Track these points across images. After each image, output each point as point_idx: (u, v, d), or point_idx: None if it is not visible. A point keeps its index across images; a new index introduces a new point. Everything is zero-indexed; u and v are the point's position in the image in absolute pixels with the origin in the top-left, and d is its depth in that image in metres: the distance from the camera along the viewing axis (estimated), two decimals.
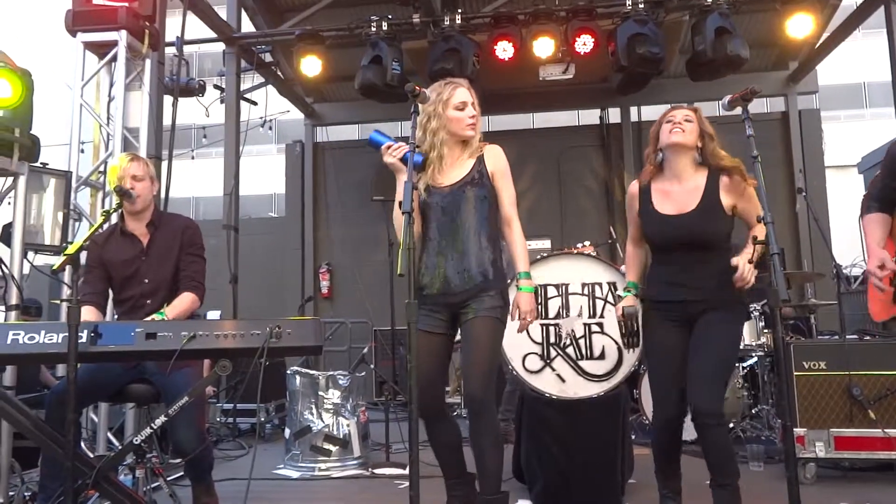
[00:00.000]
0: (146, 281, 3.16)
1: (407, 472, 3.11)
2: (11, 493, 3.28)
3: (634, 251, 3.04)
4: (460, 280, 2.73)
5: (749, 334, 4.86)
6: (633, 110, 8.74)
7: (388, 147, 2.74)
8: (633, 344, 2.97)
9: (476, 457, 2.69)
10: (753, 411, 5.03)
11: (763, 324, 4.92)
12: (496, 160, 2.82)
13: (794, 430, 3.66)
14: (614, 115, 8.82)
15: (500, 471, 2.71)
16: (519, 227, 2.83)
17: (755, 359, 5.08)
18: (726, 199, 2.76)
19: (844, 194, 9.91)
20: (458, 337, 2.87)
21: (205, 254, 3.33)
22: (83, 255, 3.09)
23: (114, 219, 3.36)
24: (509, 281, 2.87)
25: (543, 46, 6.32)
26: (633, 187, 2.97)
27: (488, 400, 2.68)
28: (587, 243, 4.87)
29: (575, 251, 4.80)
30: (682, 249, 2.77)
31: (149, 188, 3.23)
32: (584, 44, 6.15)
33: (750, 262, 2.54)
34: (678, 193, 2.82)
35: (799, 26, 6.34)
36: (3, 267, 3.28)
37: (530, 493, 3.44)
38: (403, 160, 2.68)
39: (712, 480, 2.71)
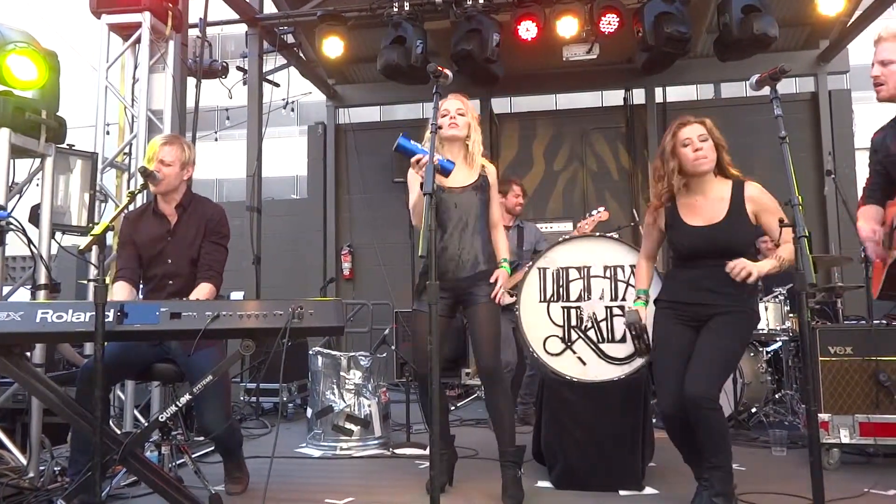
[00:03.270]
0: (169, 261, 3.21)
1: (427, 452, 3.15)
2: (42, 468, 3.36)
3: (647, 265, 3.12)
4: (468, 267, 3.20)
5: (774, 318, 4.80)
6: (658, 91, 8.60)
7: (419, 160, 2.91)
8: (644, 352, 3.02)
9: (495, 419, 3.23)
10: (777, 396, 4.98)
11: (788, 308, 4.85)
12: (494, 176, 3.37)
13: (819, 415, 3.62)
14: (638, 96, 8.70)
15: (514, 427, 3.22)
16: (503, 231, 3.40)
17: (779, 343, 5.02)
18: (750, 208, 2.82)
19: None
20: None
21: (228, 243, 3.37)
22: (109, 236, 3.15)
23: (139, 200, 3.41)
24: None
25: (567, 26, 6.23)
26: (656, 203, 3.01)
27: (499, 368, 3.23)
28: (602, 209, 4.86)
29: (590, 220, 4.80)
30: (710, 258, 2.82)
31: (176, 174, 3.25)
32: (609, 23, 6.06)
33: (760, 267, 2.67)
34: (704, 205, 2.88)
35: (830, 4, 6.17)
36: (31, 247, 3.34)
37: (550, 475, 3.45)
38: (436, 168, 2.87)
39: (705, 461, 2.77)
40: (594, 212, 4.87)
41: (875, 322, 4.04)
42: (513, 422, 3.22)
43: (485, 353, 3.16)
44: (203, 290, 3.15)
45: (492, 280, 3.17)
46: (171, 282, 3.18)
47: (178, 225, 3.26)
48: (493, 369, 3.16)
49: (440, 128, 3.06)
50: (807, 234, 2.28)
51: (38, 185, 3.63)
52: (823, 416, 3.65)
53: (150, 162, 3.19)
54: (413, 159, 2.95)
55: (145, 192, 3.25)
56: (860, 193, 3.08)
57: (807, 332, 2.42)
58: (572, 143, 8.71)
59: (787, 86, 8.62)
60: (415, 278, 4.94)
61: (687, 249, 2.91)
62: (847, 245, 7.34)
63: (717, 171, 2.89)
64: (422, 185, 2.70)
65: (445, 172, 2.96)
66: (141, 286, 3.30)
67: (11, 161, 3.40)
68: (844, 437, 3.64)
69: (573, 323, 3.49)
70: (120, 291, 3.12)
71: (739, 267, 2.64)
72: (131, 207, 3.37)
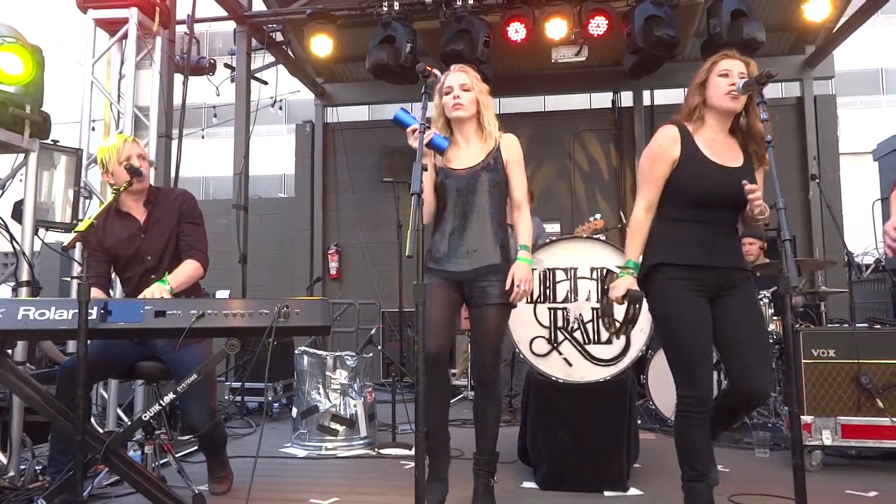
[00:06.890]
0: (149, 258, 3.18)
1: (412, 452, 3.14)
2: (23, 467, 3.32)
3: (646, 219, 2.65)
4: (470, 260, 2.90)
5: None
6: (646, 94, 8.65)
7: (415, 130, 2.73)
8: (626, 332, 2.94)
9: (479, 423, 3.01)
10: None
11: (772, 311, 4.88)
12: (511, 150, 2.98)
13: (801, 417, 3.65)
14: (627, 98, 8.74)
15: (497, 436, 3.01)
16: (528, 212, 3.01)
17: None
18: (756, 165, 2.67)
19: (859, 182, 9.81)
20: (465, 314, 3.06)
21: (203, 221, 3.33)
22: None
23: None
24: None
25: (556, 28, 6.26)
26: (672, 131, 2.64)
27: (497, 373, 2.99)
28: (598, 216, 4.96)
29: (587, 226, 4.88)
30: (721, 208, 2.60)
31: (149, 168, 3.29)
32: (598, 25, 6.09)
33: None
34: (723, 147, 2.64)
35: (816, 10, 6.23)
36: (14, 244, 3.30)
37: (535, 476, 3.45)
38: (429, 145, 2.73)
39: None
40: (591, 218, 4.97)
41: (858, 325, 4.08)
42: (497, 430, 3.01)
43: (486, 363, 2.92)
44: (187, 266, 3.11)
45: (509, 281, 2.82)
46: (153, 276, 3.13)
47: (148, 221, 3.22)
48: (491, 379, 2.95)
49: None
50: (791, 238, 2.30)
51: (21, 180, 3.59)
52: (806, 419, 3.68)
53: (129, 159, 3.12)
54: (409, 129, 2.74)
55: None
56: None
57: (791, 335, 2.43)
58: (561, 144, 8.74)
59: (773, 90, 8.70)
60: (402, 278, 4.93)
61: (707, 190, 2.57)
62: (831, 249, 7.41)
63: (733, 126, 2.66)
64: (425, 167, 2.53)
65: (440, 151, 2.77)
66: (120, 288, 3.26)
67: None
68: (827, 440, 3.68)
69: (560, 324, 3.50)
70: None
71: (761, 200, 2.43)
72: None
